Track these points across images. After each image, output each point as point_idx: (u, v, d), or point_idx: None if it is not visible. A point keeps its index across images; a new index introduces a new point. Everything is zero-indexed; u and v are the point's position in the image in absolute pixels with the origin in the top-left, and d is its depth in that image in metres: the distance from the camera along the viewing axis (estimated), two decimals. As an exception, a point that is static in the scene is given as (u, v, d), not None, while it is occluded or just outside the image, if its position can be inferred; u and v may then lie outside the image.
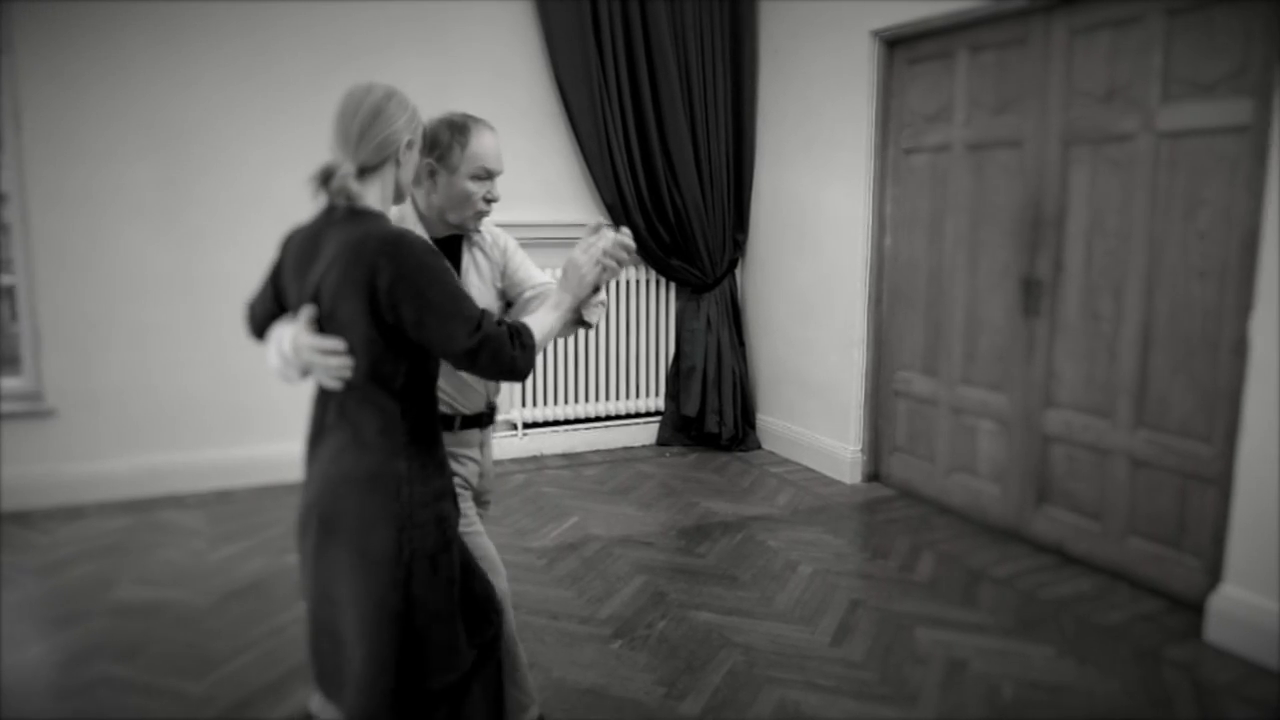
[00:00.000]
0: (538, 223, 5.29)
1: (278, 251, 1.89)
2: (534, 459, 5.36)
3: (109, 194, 4.51)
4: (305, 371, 1.76)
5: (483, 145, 2.17)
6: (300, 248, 1.82)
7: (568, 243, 5.34)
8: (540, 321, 1.92)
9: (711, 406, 5.55)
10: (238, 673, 2.98)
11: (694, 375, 5.56)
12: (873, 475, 4.99)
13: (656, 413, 5.76)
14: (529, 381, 5.38)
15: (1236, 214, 3.24)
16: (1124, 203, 3.62)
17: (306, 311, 1.74)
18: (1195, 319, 3.40)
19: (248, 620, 3.33)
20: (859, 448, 4.96)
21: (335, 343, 1.71)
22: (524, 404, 5.41)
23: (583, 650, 3.12)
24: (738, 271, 5.77)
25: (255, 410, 4.84)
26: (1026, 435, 4.09)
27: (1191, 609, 3.42)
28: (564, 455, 5.44)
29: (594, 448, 5.56)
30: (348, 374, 1.72)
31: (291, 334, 1.75)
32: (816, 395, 5.15)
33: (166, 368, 4.67)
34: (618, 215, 5.20)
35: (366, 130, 1.80)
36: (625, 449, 5.62)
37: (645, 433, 5.74)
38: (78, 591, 3.55)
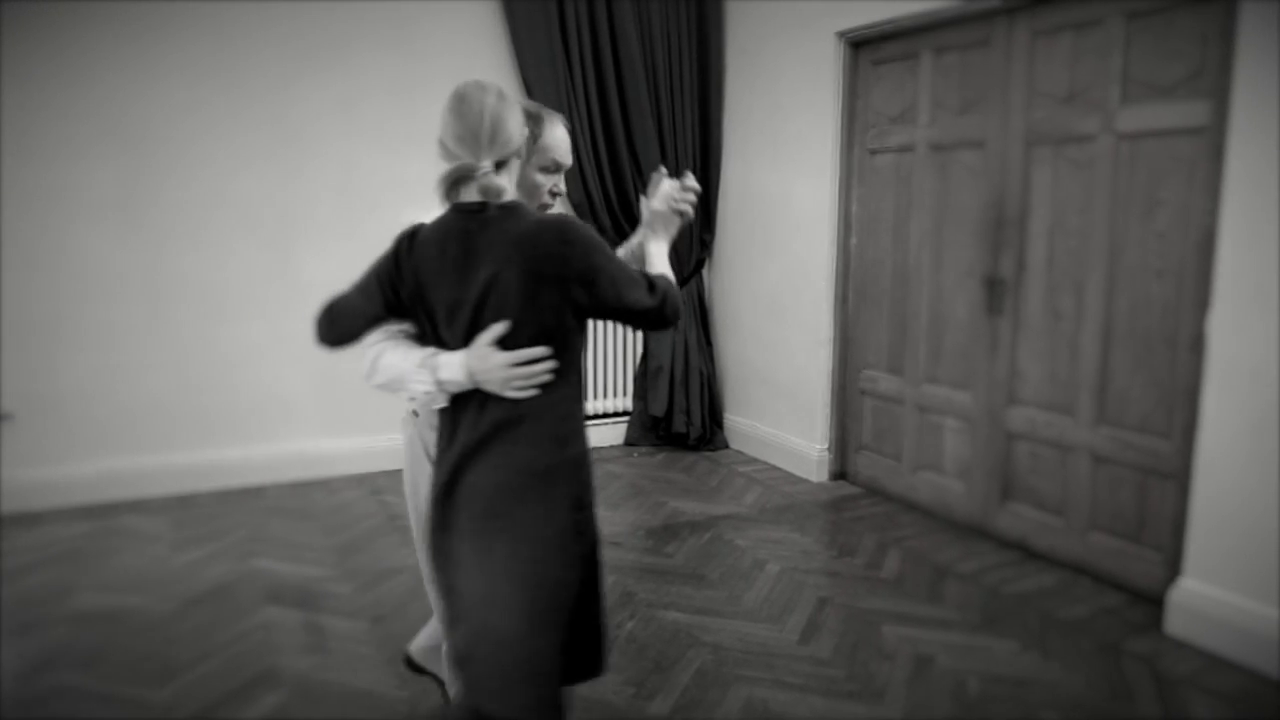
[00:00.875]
0: None
1: (394, 256, 1.85)
2: None
3: (69, 193, 4.42)
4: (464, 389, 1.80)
5: (555, 138, 2.16)
6: (444, 250, 1.80)
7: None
8: (664, 268, 1.96)
9: (679, 406, 5.55)
10: (200, 680, 2.93)
11: (661, 375, 5.56)
12: (839, 473, 5.01)
13: (624, 413, 5.75)
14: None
15: (1194, 214, 3.29)
16: (1085, 202, 3.66)
17: (496, 330, 1.74)
18: (1154, 317, 3.45)
19: (211, 626, 3.28)
20: (825, 446, 4.98)
21: (537, 351, 1.75)
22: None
23: (551, 651, 3.10)
24: (705, 271, 5.78)
25: (218, 414, 4.77)
26: (990, 432, 4.13)
27: (1152, 602, 3.46)
28: None
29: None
30: (548, 378, 1.76)
31: (462, 360, 1.78)
32: (783, 394, 5.17)
33: (128, 370, 4.59)
34: (584, 214, 5.19)
35: (497, 129, 1.80)
36: (593, 449, 5.60)
37: (613, 433, 5.72)
38: (36, 599, 3.48)
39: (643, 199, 2.13)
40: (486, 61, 5.15)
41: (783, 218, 5.10)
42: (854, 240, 4.81)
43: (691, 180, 2.11)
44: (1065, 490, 3.82)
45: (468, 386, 1.79)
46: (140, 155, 4.52)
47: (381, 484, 4.87)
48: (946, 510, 4.37)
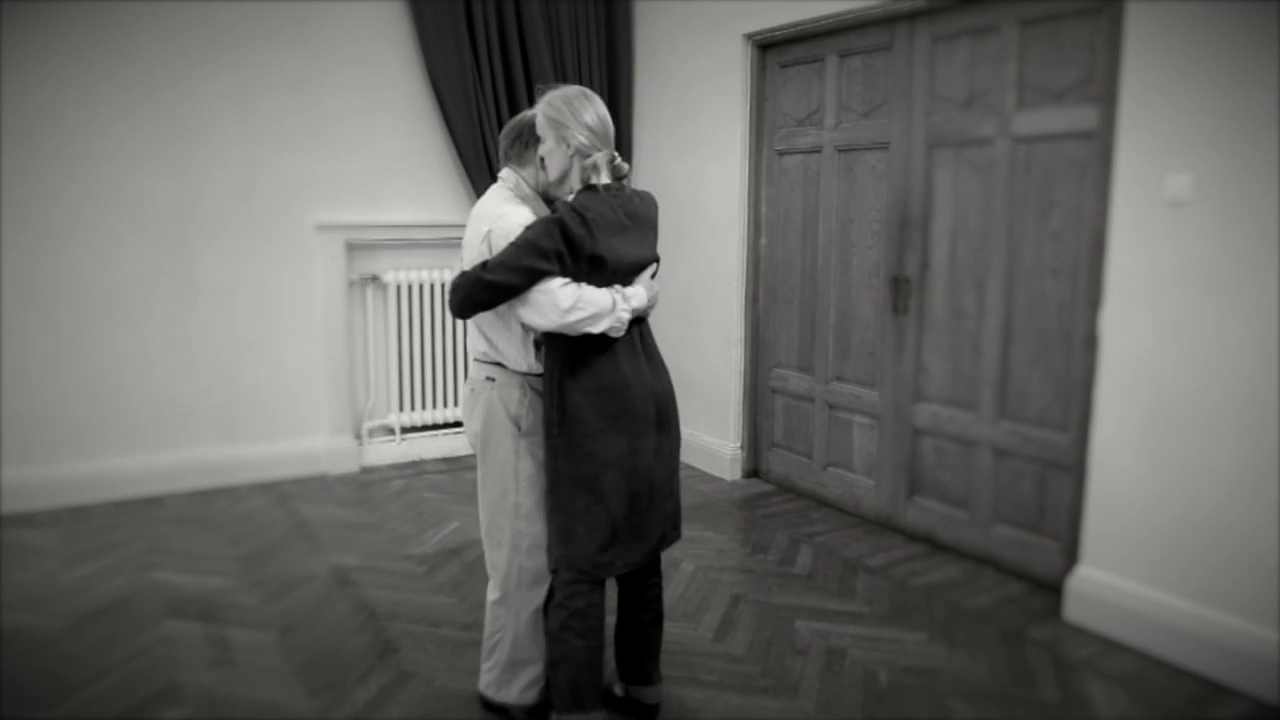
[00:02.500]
0: (411, 223, 5.18)
1: (567, 232, 2.26)
2: (413, 464, 5.24)
3: (-56, 192, 4.20)
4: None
5: None
6: (621, 222, 2.35)
7: (443, 244, 5.26)
8: None
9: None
10: (96, 698, 2.81)
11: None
12: (752, 471, 5.06)
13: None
14: (406, 385, 5.28)
15: (1085, 215, 3.40)
16: (984, 204, 3.75)
17: (653, 267, 2.46)
18: (1050, 314, 3.56)
19: (106, 643, 3.15)
20: (739, 444, 5.02)
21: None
22: (401, 408, 5.29)
23: (465, 657, 3.06)
24: (617, 272, 5.76)
25: (110, 421, 4.58)
26: (897, 429, 4.21)
27: (1052, 590, 3.58)
28: (444, 460, 5.34)
29: (471, 449, 5.45)
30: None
31: (642, 292, 2.38)
32: (697, 394, 5.20)
33: (10, 376, 4.38)
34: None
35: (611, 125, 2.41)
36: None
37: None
38: (-86, 620, 3.30)
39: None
40: (392, 59, 5.07)
41: (694, 218, 5.12)
42: (764, 240, 4.86)
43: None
44: (969, 484, 3.92)
45: (639, 314, 2.39)
46: (21, 150, 4.31)
47: (289, 491, 4.75)
48: (856, 505, 4.45)
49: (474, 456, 5.38)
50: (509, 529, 2.58)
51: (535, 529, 2.57)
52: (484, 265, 2.29)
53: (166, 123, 4.59)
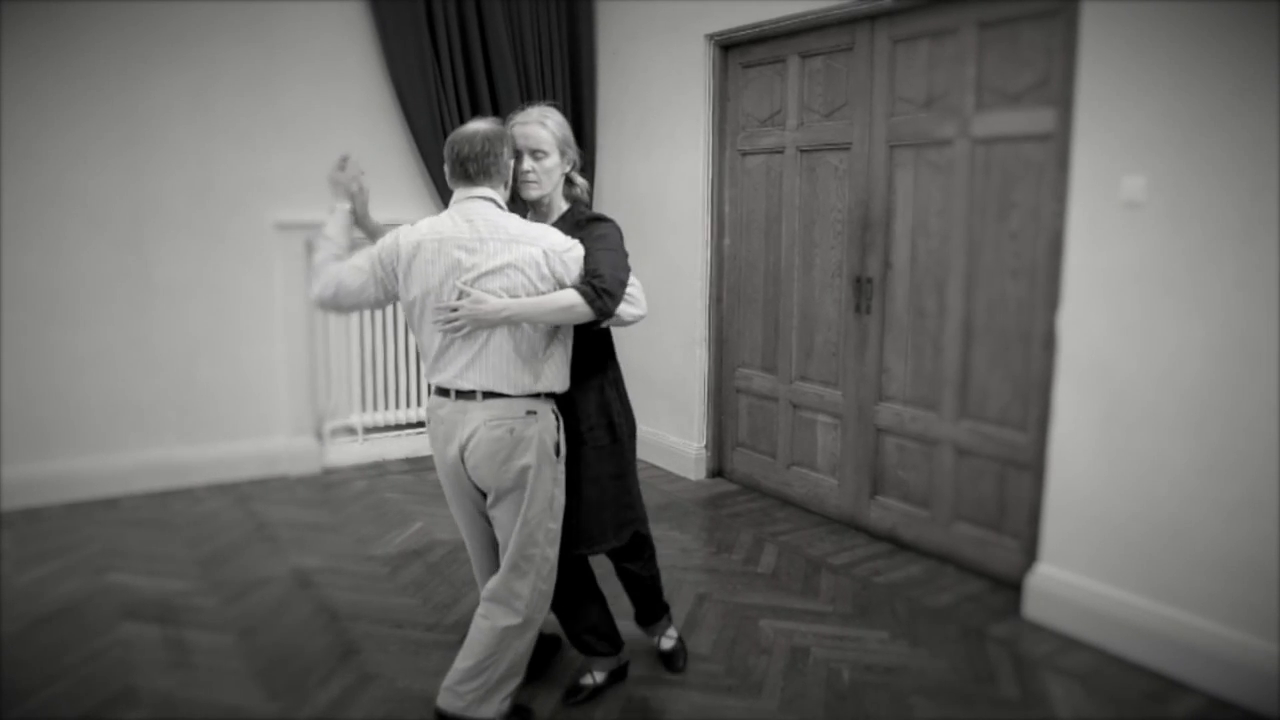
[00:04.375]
0: (384, 224, 5.10)
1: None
2: (375, 465, 5.20)
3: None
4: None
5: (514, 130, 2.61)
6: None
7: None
8: None
9: (557, 407, 5.51)
10: (49, 703, 2.76)
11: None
12: (717, 471, 5.06)
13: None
14: (368, 385, 5.24)
15: (1043, 216, 3.43)
16: (944, 204, 3.78)
17: None
18: (1010, 315, 3.59)
19: (60, 647, 3.09)
20: (703, 444, 5.03)
21: None
22: (363, 408, 5.25)
23: (428, 658, 3.04)
24: (582, 271, 5.75)
25: (64, 421, 4.50)
26: (860, 428, 4.23)
27: (1012, 588, 3.61)
28: (407, 460, 5.30)
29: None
30: None
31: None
32: (661, 394, 5.20)
33: (-37, 378, 4.29)
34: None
35: None
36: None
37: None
38: None
39: None
40: (352, 57, 5.02)
41: (657, 218, 5.12)
42: (727, 241, 4.87)
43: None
44: (931, 483, 3.94)
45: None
46: (-25, 147, 4.23)
47: (248, 492, 4.69)
48: (820, 505, 4.47)
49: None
50: (539, 558, 2.54)
51: (555, 555, 2.59)
52: (596, 274, 2.37)
53: (121, 120, 4.51)
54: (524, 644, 2.58)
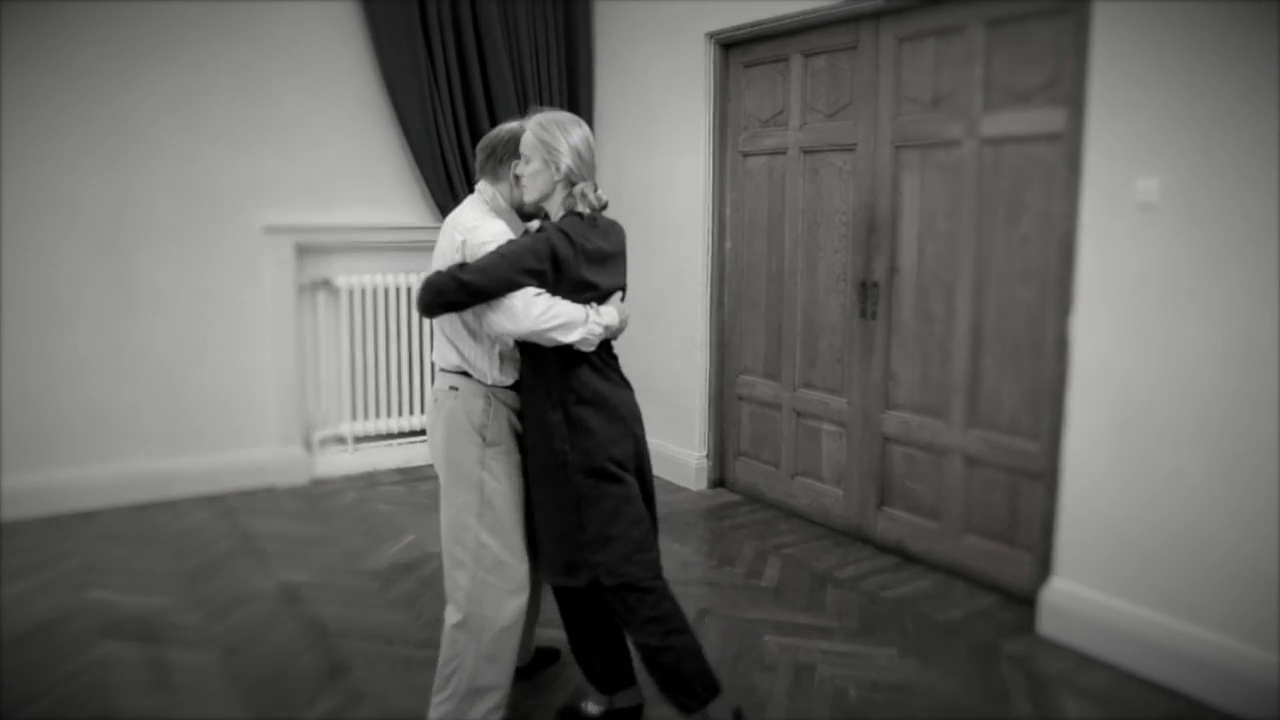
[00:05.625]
0: (364, 226, 5.11)
1: (555, 251, 2.37)
2: (366, 475, 5.16)
3: None
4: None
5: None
6: (602, 248, 2.47)
7: (397, 247, 5.18)
8: None
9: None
10: (25, 728, 2.70)
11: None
12: (718, 481, 5.03)
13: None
14: (359, 393, 5.20)
15: (1054, 218, 3.41)
16: (952, 206, 3.76)
17: (621, 292, 2.55)
18: (1020, 320, 3.56)
19: (38, 666, 3.04)
20: (704, 453, 5.00)
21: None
22: (354, 417, 5.21)
23: (420, 676, 2.99)
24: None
25: (43, 431, 4.44)
26: (866, 437, 4.19)
27: (1025, 603, 3.57)
28: (399, 470, 5.26)
29: (431, 461, 5.37)
30: None
31: (614, 312, 2.47)
32: (661, 401, 5.15)
33: (-60, 387, 4.23)
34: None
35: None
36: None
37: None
38: None
39: None
40: (344, 58, 4.99)
41: (657, 221, 5.09)
42: (728, 244, 4.84)
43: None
44: (940, 493, 3.91)
45: (613, 333, 2.47)
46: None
47: (235, 504, 4.65)
48: (825, 516, 4.43)
49: (432, 467, 5.31)
50: (473, 545, 2.55)
51: (499, 545, 2.55)
52: (461, 266, 2.35)
53: (106, 120, 4.47)
54: (480, 646, 2.55)
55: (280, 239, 4.88)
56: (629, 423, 2.56)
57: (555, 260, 2.37)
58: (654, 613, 2.48)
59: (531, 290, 2.36)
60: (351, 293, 5.11)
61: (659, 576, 2.53)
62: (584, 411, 2.47)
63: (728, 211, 4.83)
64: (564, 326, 2.37)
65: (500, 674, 2.58)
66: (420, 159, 5.07)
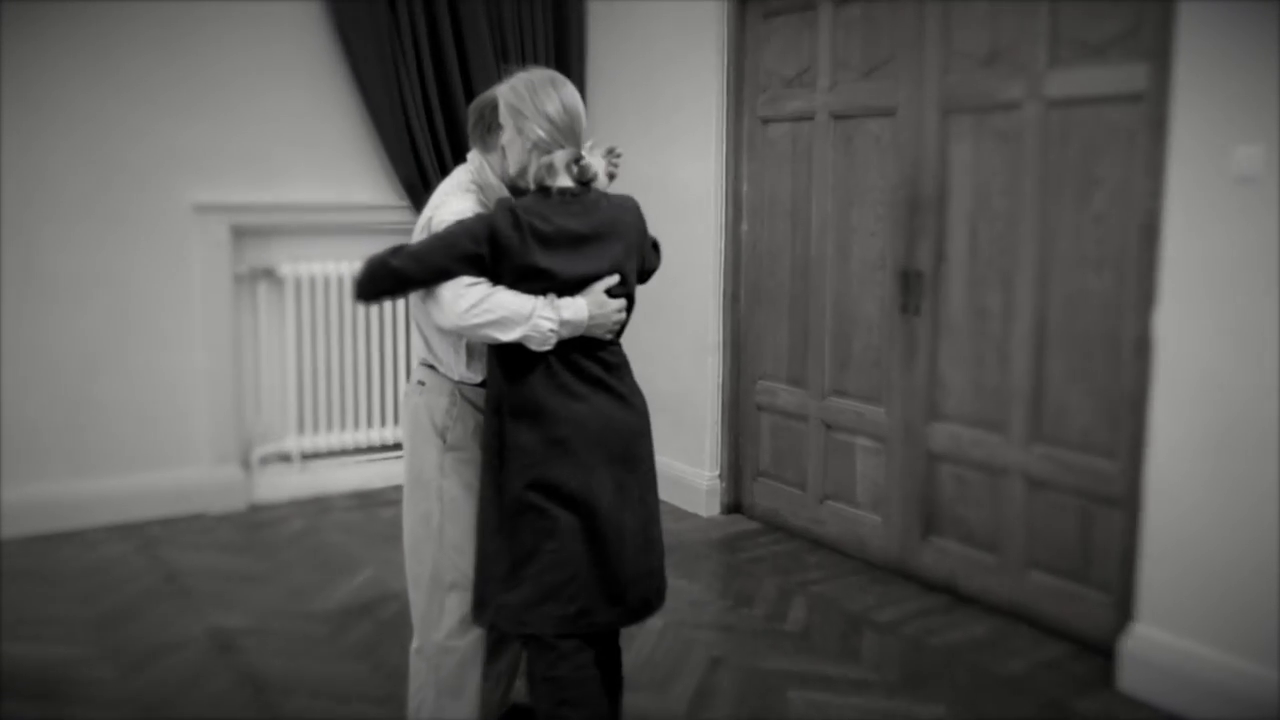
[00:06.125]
0: (314, 204, 5.13)
1: (494, 234, 2.37)
2: (316, 499, 5.17)
3: None
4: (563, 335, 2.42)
5: None
6: (565, 230, 2.42)
7: (354, 230, 5.18)
8: None
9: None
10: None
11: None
12: (733, 506, 5.04)
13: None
14: (308, 402, 5.20)
15: (1134, 194, 3.41)
16: (1011, 181, 3.76)
17: (610, 280, 2.48)
18: (1093, 315, 3.56)
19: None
20: (716, 474, 5.01)
21: (623, 302, 2.53)
22: (301, 430, 5.20)
23: (378, 743, 2.97)
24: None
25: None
26: (909, 454, 4.19)
27: (1101, 653, 3.54)
28: (354, 494, 5.27)
29: (393, 483, 5.33)
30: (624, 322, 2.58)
31: (581, 306, 2.42)
32: (665, 411, 5.11)
33: None
34: (418, 196, 5.05)
35: (584, 119, 2.52)
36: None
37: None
38: None
39: None
40: (290, 5, 4.98)
41: (660, 201, 5.06)
42: (745, 226, 4.86)
43: (619, 149, 2.71)
44: (997, 521, 3.90)
45: (578, 330, 2.42)
46: None
47: (157, 534, 4.65)
48: (860, 547, 4.42)
49: (395, 490, 5.29)
50: (430, 561, 2.64)
51: (462, 563, 2.62)
52: (395, 250, 2.43)
53: (3, 80, 4.43)
54: (440, 679, 2.64)
55: (213, 219, 4.88)
56: (579, 445, 2.48)
57: (495, 243, 2.38)
58: (550, 673, 2.49)
59: (466, 279, 2.39)
60: (299, 283, 5.10)
61: (572, 636, 2.50)
62: (517, 425, 2.48)
63: (744, 188, 4.84)
64: (500, 323, 2.37)
65: (466, 711, 2.65)
66: (381, 125, 5.09)
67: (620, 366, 2.59)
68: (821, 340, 4.53)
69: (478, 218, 2.43)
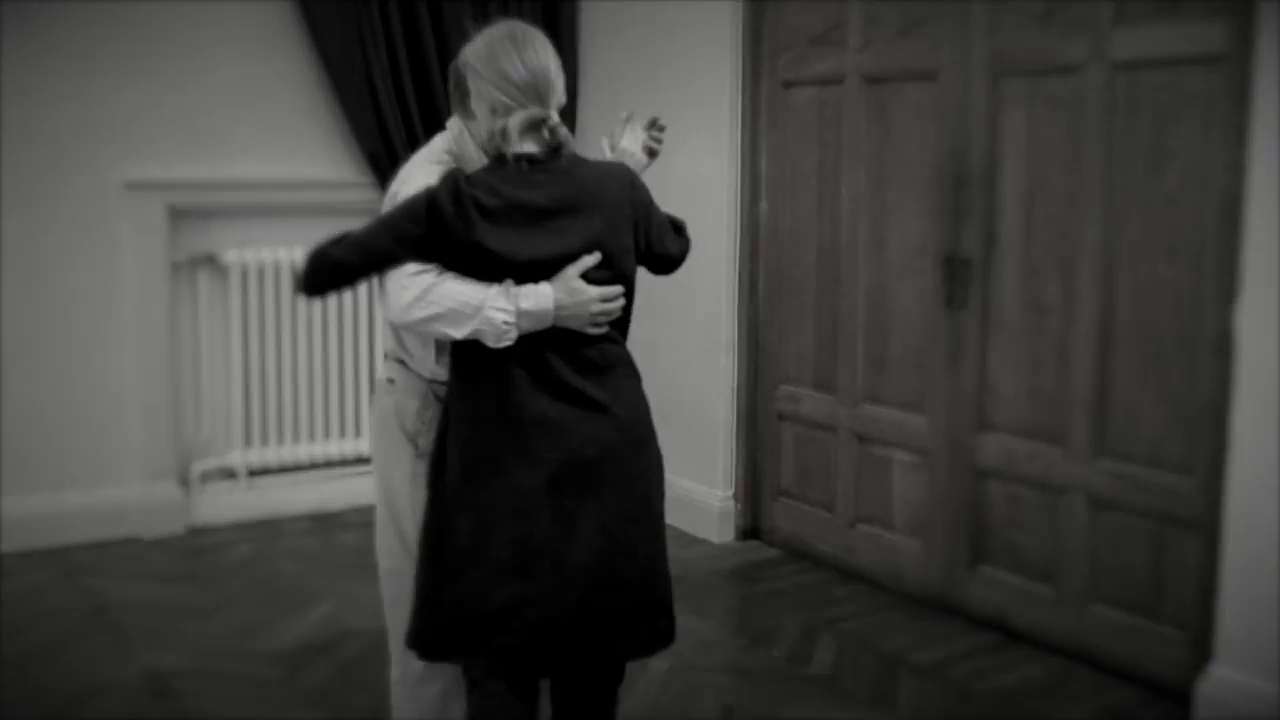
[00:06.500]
0: (267, 181, 5.14)
1: (435, 210, 2.36)
2: (265, 522, 5.17)
3: None
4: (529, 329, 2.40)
5: None
6: (523, 205, 2.40)
7: (310, 211, 5.17)
8: None
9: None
10: None
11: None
12: (750, 531, 5.05)
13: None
14: (256, 410, 5.21)
15: (1213, 170, 3.42)
16: (1072, 155, 3.77)
17: (587, 261, 2.44)
18: (1166, 309, 3.56)
19: None
20: (730, 493, 5.02)
21: (618, 289, 2.51)
22: (249, 443, 5.21)
23: (340, 803, 2.98)
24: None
25: None
26: (955, 470, 4.20)
27: (1174, 698, 3.54)
28: (310, 516, 5.28)
29: (355, 503, 5.36)
30: (618, 314, 2.56)
31: (547, 294, 2.39)
32: (670, 420, 5.07)
33: None
34: (384, 171, 5.05)
35: (559, 75, 2.49)
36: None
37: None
38: None
39: (603, 140, 2.83)
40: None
41: (665, 177, 4.99)
42: (764, 206, 4.87)
43: (662, 121, 2.80)
44: (1056, 548, 3.90)
45: (542, 325, 2.40)
46: None
47: (83, 562, 4.64)
48: (897, 578, 4.44)
49: (356, 512, 5.31)
50: (406, 579, 2.65)
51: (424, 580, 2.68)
52: (338, 239, 2.44)
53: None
54: (423, 708, 2.78)
55: (147, 199, 4.88)
56: (514, 464, 2.47)
57: (435, 219, 2.38)
58: (472, 710, 2.59)
59: (411, 267, 2.40)
60: (245, 272, 5.11)
61: (495, 675, 2.54)
62: (456, 434, 2.52)
63: (763, 162, 4.85)
64: (448, 317, 2.38)
65: None
66: (342, 90, 5.11)
67: (611, 369, 2.58)
68: (853, 338, 4.54)
69: (418, 196, 2.43)
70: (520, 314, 2.36)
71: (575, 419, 2.48)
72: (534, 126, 2.41)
